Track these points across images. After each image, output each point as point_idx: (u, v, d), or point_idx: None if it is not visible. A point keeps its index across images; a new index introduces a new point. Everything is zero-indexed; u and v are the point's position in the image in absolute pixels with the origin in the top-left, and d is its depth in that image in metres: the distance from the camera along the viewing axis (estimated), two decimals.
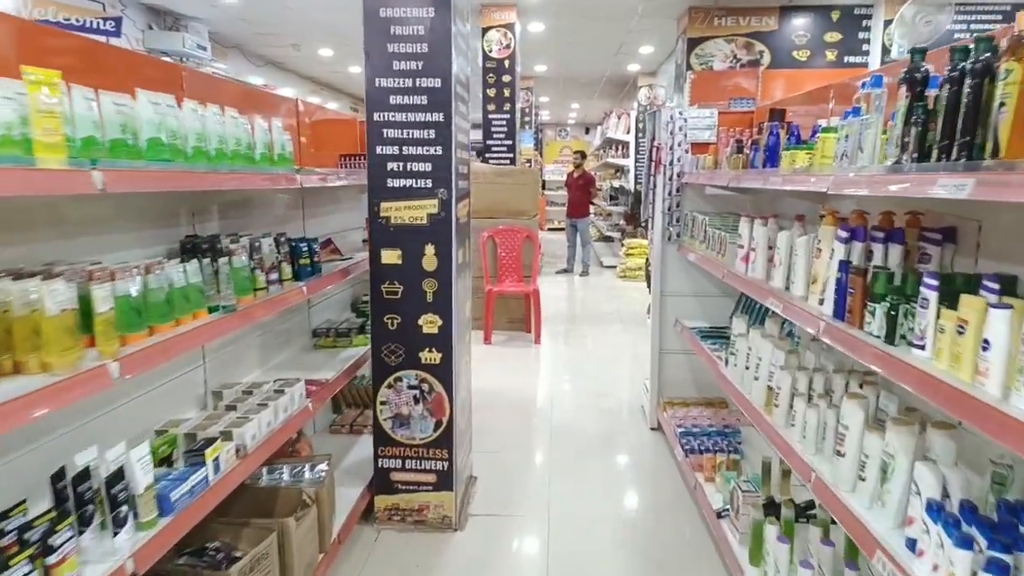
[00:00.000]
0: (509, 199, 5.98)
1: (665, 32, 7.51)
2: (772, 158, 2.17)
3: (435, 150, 2.41)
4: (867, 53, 6.23)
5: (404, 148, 2.42)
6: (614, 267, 10.45)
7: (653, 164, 3.61)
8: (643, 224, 10.74)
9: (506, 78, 6.32)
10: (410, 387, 2.54)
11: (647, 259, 7.00)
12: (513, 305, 6.03)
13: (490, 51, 6.31)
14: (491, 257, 5.93)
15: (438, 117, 2.39)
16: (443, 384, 2.53)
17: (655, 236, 3.65)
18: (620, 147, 10.80)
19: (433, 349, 2.52)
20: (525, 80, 11.06)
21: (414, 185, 2.43)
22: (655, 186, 3.62)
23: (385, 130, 2.41)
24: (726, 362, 2.64)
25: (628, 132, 10.53)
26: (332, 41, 8.80)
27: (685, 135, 3.50)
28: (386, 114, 2.40)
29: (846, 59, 6.22)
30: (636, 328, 6.32)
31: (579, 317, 6.91)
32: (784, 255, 2.03)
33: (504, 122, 6.38)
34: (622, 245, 10.21)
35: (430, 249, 2.46)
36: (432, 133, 2.40)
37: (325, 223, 3.15)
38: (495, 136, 6.41)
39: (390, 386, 2.54)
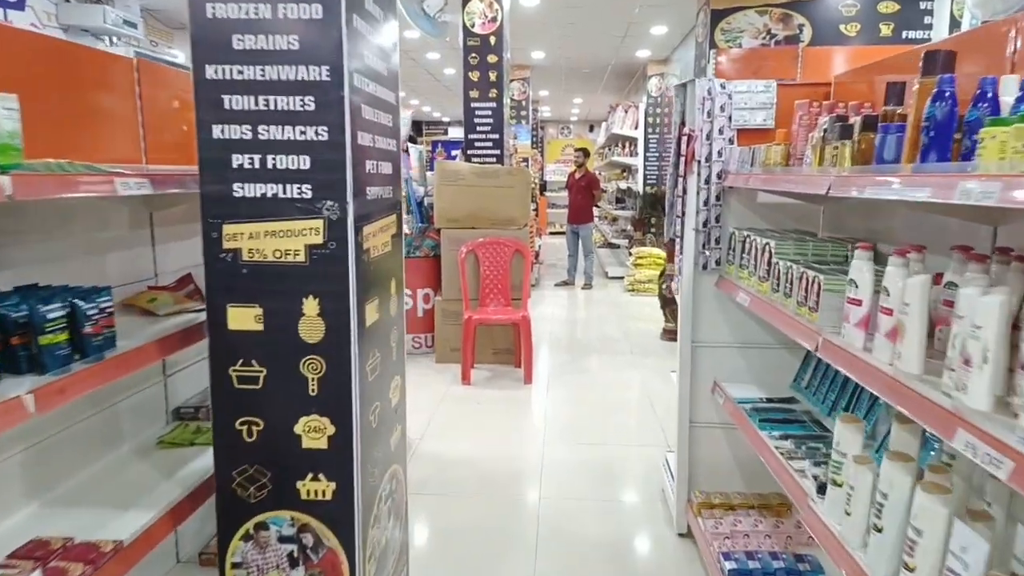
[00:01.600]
0: (494, 205, 4.95)
1: (682, 6, 6.48)
2: (941, 142, 1.12)
3: (316, 133, 1.39)
4: (930, 27, 5.18)
5: (260, 129, 1.39)
6: (621, 279, 9.41)
7: (683, 160, 2.57)
8: (653, 231, 9.70)
9: (491, 58, 5.30)
10: (282, 539, 1.50)
11: (662, 271, 5.96)
12: (499, 333, 5.00)
13: (472, 25, 5.30)
14: (472, 276, 4.90)
15: (319, 73, 1.37)
16: (338, 534, 1.50)
17: (684, 262, 2.61)
18: (627, 144, 9.77)
19: (320, 475, 1.48)
20: (520, 69, 10.04)
21: (280, 194, 1.40)
22: (684, 191, 2.58)
23: (227, 97, 1.38)
24: (819, 488, 1.59)
25: (636, 127, 9.49)
26: None
27: (729, 118, 2.46)
28: (228, 68, 1.38)
29: (904, 34, 5.18)
30: (649, 358, 5.27)
31: (580, 343, 5.87)
32: (990, 337, 0.98)
33: (489, 113, 5.37)
34: (630, 254, 9.18)
35: (311, 305, 1.43)
36: (310, 102, 1.37)
37: (189, 251, 2.11)
38: (478, 129, 5.40)
39: (248, 537, 1.50)
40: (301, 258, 1.41)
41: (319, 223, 1.41)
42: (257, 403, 1.46)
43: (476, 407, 4.20)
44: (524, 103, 10.15)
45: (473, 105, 5.37)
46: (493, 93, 5.34)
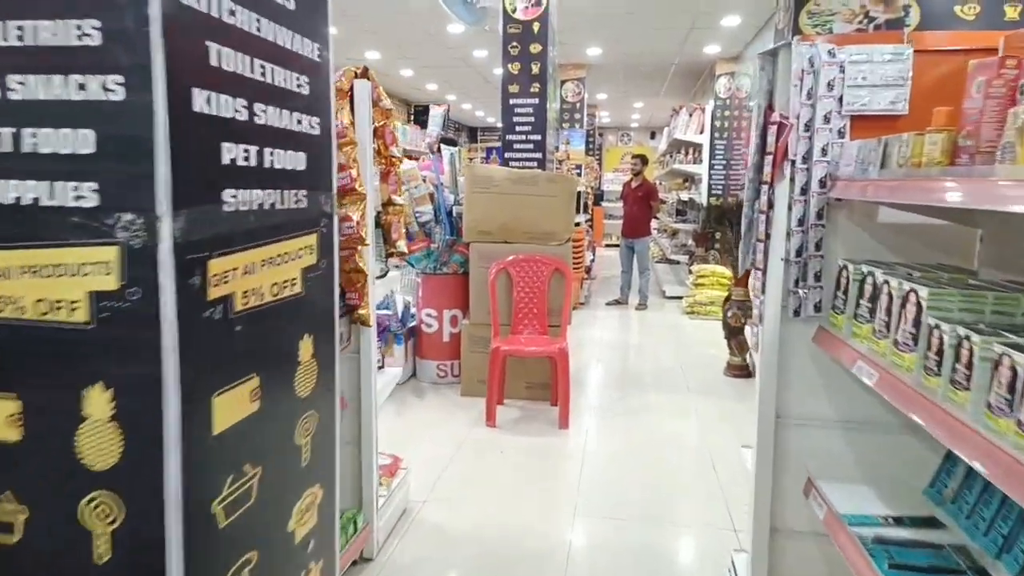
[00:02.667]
0: (531, 217, 4.29)
1: None
2: None
3: (104, 87, 0.75)
4: None
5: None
6: (679, 299, 8.57)
7: (768, 161, 1.83)
8: (717, 247, 8.82)
9: (534, 48, 4.65)
10: None
11: (727, 296, 5.15)
12: (533, 364, 4.31)
13: (513, 10, 4.67)
14: (504, 298, 4.24)
15: None
16: None
17: (766, 305, 1.88)
18: (691, 151, 8.94)
19: None
20: (575, 68, 9.36)
21: (42, 200, 0.77)
22: (771, 205, 1.84)
23: None
24: None
25: (701, 132, 8.66)
26: (345, 23, 7.33)
27: (840, 100, 1.72)
28: None
29: None
30: (711, 399, 4.48)
31: (630, 376, 5.12)
32: None
33: (530, 110, 4.71)
34: (690, 271, 8.34)
35: (97, 401, 0.79)
36: (90, 30, 0.74)
37: None
38: (517, 130, 4.74)
39: None
40: (80, 317, 0.78)
41: (111, 253, 0.77)
42: None
43: (498, 458, 3.52)
44: (578, 106, 9.47)
45: (512, 102, 4.73)
46: (535, 88, 4.68)
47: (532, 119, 4.73)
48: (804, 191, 1.75)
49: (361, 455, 2.45)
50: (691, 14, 6.80)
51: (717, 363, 5.32)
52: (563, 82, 9.42)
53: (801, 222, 1.76)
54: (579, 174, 9.11)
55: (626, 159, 18.82)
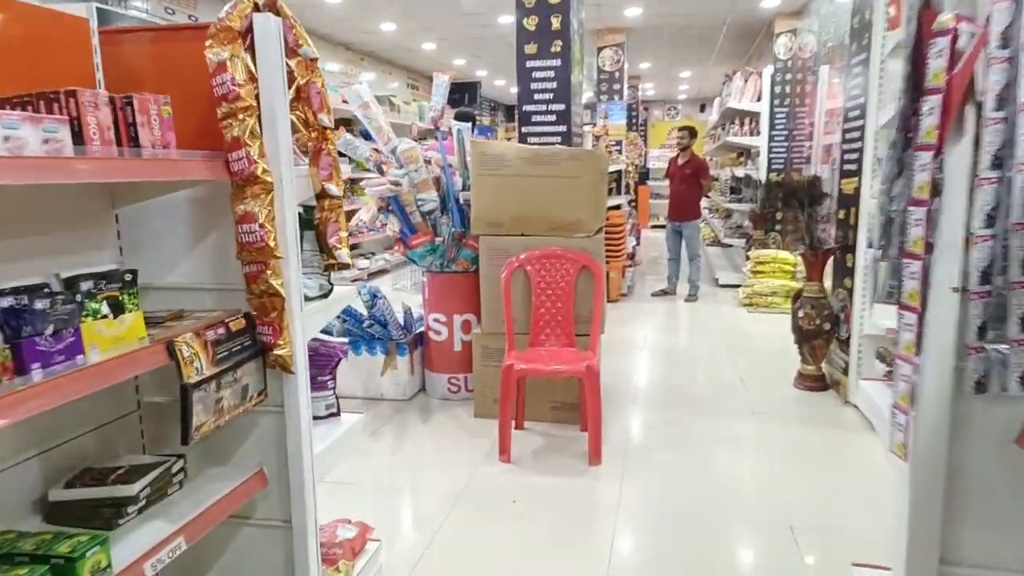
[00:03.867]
0: (552, 203, 3.51)
1: None
2: None
3: None
4: None
5: None
6: (735, 287, 7.65)
7: (937, 108, 1.00)
8: (777, 228, 7.82)
9: None
10: None
11: (798, 293, 4.27)
12: (560, 380, 3.57)
13: None
14: (521, 302, 3.50)
15: None
16: None
17: (923, 372, 1.05)
18: (747, 121, 7.94)
19: None
20: (612, 33, 8.43)
21: None
22: (935, 191, 1.01)
23: None
24: None
25: (759, 100, 7.65)
26: None
27: None
28: None
29: None
30: (782, 428, 3.65)
31: (678, 391, 4.31)
32: None
33: (551, 74, 3.90)
34: (747, 257, 7.41)
35: None
36: None
37: None
38: (536, 98, 3.93)
39: None
40: None
41: None
42: None
43: (510, 510, 2.80)
44: (618, 75, 8.55)
45: (529, 65, 3.93)
46: (556, 47, 3.87)
47: (553, 85, 3.92)
48: (999, 162, 0.93)
49: (294, 547, 1.76)
50: None
51: (785, 371, 4.46)
52: (600, 49, 8.52)
53: (993, 220, 0.95)
54: (620, 151, 8.24)
55: (673, 134, 17.72)
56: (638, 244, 9.71)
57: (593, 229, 3.54)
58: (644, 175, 16.44)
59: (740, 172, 8.24)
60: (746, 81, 7.74)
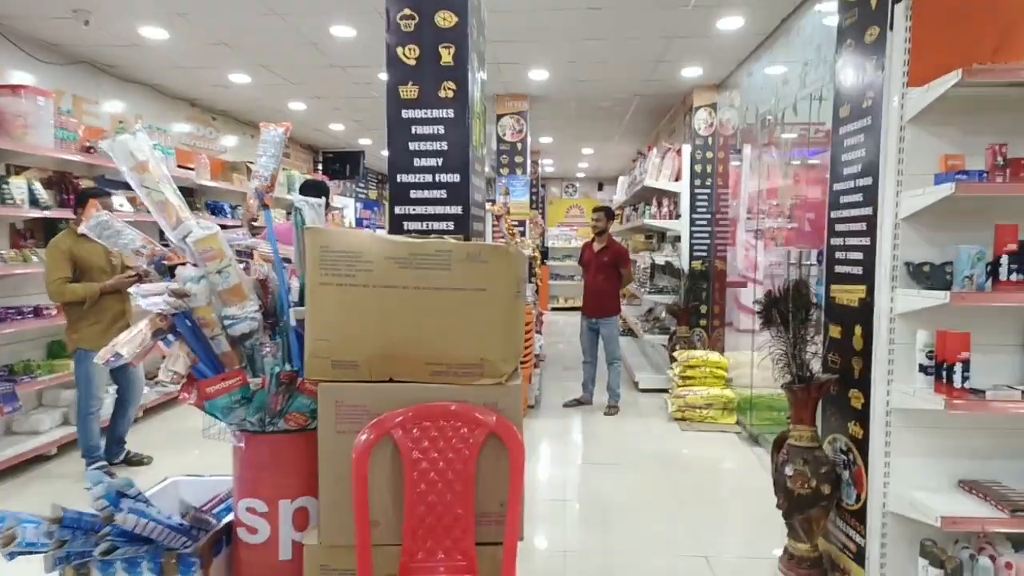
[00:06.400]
0: (441, 330, 2.21)
1: None
2: None
3: None
4: None
5: None
6: (659, 393, 6.59)
7: None
8: (702, 324, 6.93)
9: (445, 19, 2.60)
10: None
11: (780, 439, 3.17)
12: None
13: None
14: (386, 492, 2.10)
15: None
16: None
17: None
18: (665, 202, 7.12)
19: None
20: (515, 99, 7.50)
21: None
22: None
23: None
24: None
25: (678, 179, 6.86)
26: (166, 14, 5.20)
27: None
28: None
29: None
30: None
31: None
32: None
33: (441, 130, 2.65)
34: (672, 357, 6.39)
35: None
36: None
37: None
38: (418, 165, 2.62)
39: None
40: None
41: None
42: None
43: None
44: (520, 147, 7.57)
45: (407, 115, 2.66)
46: (448, 90, 2.65)
47: (443, 147, 2.68)
48: None
49: None
50: (673, 19, 5.02)
51: (762, 540, 3.28)
52: (500, 116, 7.54)
53: None
54: (523, 233, 7.15)
55: (573, 212, 17.20)
56: (542, 341, 8.57)
57: (506, 372, 2.23)
58: (544, 254, 15.68)
59: (660, 259, 7.37)
60: (663, 157, 6.98)
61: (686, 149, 6.81)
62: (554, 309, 15.11)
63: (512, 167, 7.50)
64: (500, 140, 7.59)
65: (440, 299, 2.22)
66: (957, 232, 2.54)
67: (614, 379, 6.18)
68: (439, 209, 2.72)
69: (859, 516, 2.87)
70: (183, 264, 2.56)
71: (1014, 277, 2.29)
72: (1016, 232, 2.30)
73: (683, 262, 6.91)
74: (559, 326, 12.05)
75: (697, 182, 6.79)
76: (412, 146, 2.71)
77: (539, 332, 7.75)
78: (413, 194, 2.71)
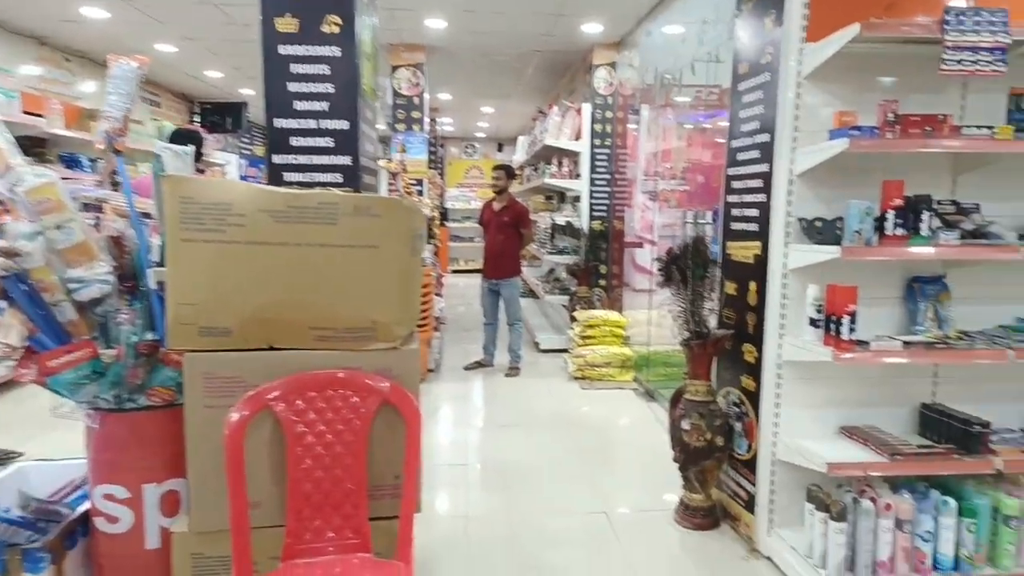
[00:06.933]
0: (327, 291, 2.00)
1: None
2: None
3: None
4: None
5: None
6: (560, 353, 6.63)
7: None
8: (602, 283, 7.01)
9: None
10: None
11: (678, 392, 3.22)
12: None
13: None
14: (268, 471, 1.89)
15: None
16: None
17: None
18: (565, 161, 7.08)
19: None
20: (410, 49, 7.14)
21: None
22: None
23: None
24: None
25: (578, 138, 6.82)
26: None
27: None
28: None
29: None
30: None
31: (527, 558, 2.92)
32: None
33: (326, 70, 2.39)
34: (573, 318, 6.43)
35: None
36: None
37: None
38: (300, 109, 2.36)
39: None
40: None
41: None
42: None
43: None
44: (417, 101, 7.25)
45: (284, 51, 2.37)
46: (333, 24, 2.38)
47: (329, 89, 2.41)
48: None
49: None
50: None
51: (658, 494, 3.36)
52: (395, 68, 7.16)
53: None
54: (421, 192, 6.89)
55: (473, 172, 16.95)
56: (443, 304, 8.41)
57: (401, 335, 2.06)
58: (443, 215, 15.39)
59: (561, 219, 7.35)
60: (563, 116, 6.90)
61: (586, 108, 6.76)
62: (455, 271, 14.95)
63: (409, 123, 7.17)
64: (396, 94, 7.22)
65: (325, 257, 2.01)
66: (848, 188, 2.60)
67: (515, 341, 6.14)
68: (325, 159, 2.47)
69: (750, 465, 2.96)
70: (15, 219, 2.19)
71: (899, 232, 2.37)
72: (902, 187, 2.38)
73: (583, 222, 6.93)
74: (460, 289, 11.91)
75: (597, 142, 6.77)
76: (292, 87, 2.42)
77: (439, 295, 7.57)
78: (294, 141, 2.43)
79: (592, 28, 6.39)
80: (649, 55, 6.08)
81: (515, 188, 9.95)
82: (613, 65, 6.83)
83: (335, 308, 2.02)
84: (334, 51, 2.42)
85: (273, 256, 1.98)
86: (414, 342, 2.13)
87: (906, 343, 2.48)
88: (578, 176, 6.89)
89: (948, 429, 2.60)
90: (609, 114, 6.76)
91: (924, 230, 2.39)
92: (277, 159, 2.42)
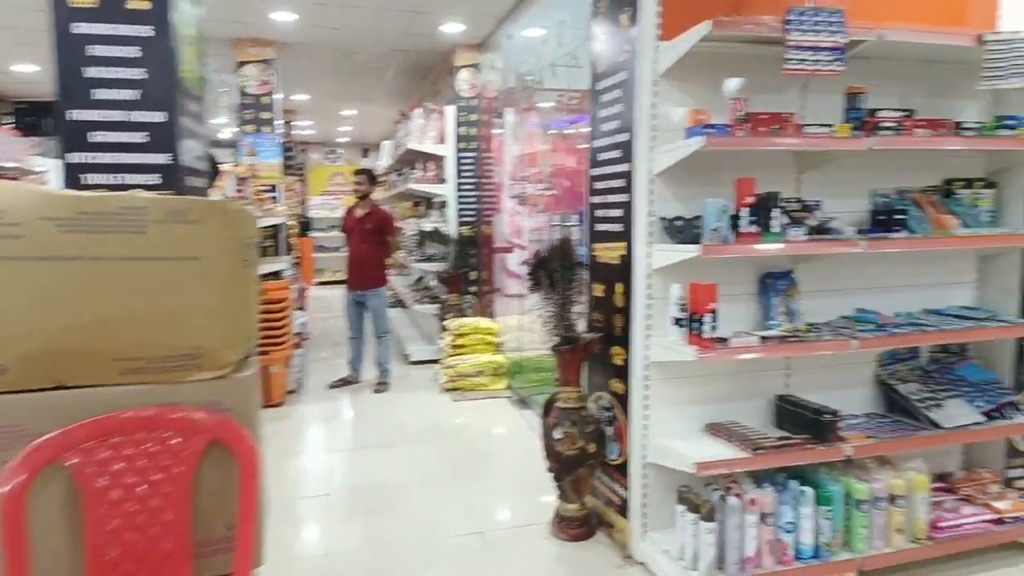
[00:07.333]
0: (134, 312, 1.67)
1: None
2: None
3: None
4: None
5: None
6: (434, 364, 6.40)
7: None
8: (473, 291, 6.89)
9: None
10: None
11: (550, 400, 3.16)
12: None
13: None
14: (62, 545, 1.53)
15: None
16: None
17: None
18: (430, 166, 6.89)
19: None
20: (257, 44, 6.64)
21: None
22: None
23: None
24: None
25: (442, 142, 6.66)
26: None
27: None
28: None
29: None
30: None
31: (385, 561, 2.71)
32: None
33: (135, 52, 2.05)
34: (443, 327, 6.24)
35: None
36: None
37: None
38: (100, 99, 2.01)
39: None
40: None
41: None
42: None
43: None
44: (267, 102, 6.75)
45: (78, 30, 2.00)
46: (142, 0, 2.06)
47: (139, 75, 2.06)
48: None
49: None
50: None
51: (533, 505, 3.26)
52: (241, 64, 6.63)
53: None
54: (275, 199, 6.42)
55: (337, 180, 16.28)
56: (305, 318, 7.92)
57: (231, 361, 1.78)
58: (306, 225, 14.65)
59: (429, 226, 7.14)
60: (427, 119, 6.71)
61: (450, 111, 6.62)
62: (321, 283, 14.27)
63: (259, 124, 6.66)
64: (243, 93, 6.69)
65: (133, 272, 1.69)
66: (704, 187, 2.63)
67: (384, 354, 5.86)
68: (136, 157, 2.10)
69: (622, 470, 2.93)
70: None
71: (752, 229, 2.41)
72: (753, 185, 2.42)
73: (451, 228, 6.77)
74: (327, 301, 11.34)
75: (462, 145, 6.65)
76: (90, 72, 2.04)
77: (301, 309, 7.11)
78: (95, 137, 2.05)
79: (452, 28, 6.25)
80: (511, 57, 6.05)
81: (381, 194, 9.61)
82: (476, 67, 6.75)
83: (147, 334, 1.70)
84: (144, 31, 2.07)
85: (62, 274, 1.63)
86: (249, 368, 1.85)
87: (762, 338, 2.54)
88: (444, 181, 6.73)
89: (802, 420, 2.69)
90: (473, 117, 6.66)
91: (775, 227, 2.44)
92: (74, 158, 2.03)
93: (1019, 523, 2.75)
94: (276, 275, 5.52)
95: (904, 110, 2.66)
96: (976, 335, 2.76)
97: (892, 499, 2.61)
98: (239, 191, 5.64)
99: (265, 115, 6.72)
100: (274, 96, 6.79)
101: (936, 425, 2.71)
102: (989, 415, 2.77)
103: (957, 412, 2.75)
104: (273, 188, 6.47)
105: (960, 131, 2.61)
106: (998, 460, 3.05)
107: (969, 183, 2.96)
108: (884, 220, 2.67)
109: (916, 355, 3.07)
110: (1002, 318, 2.86)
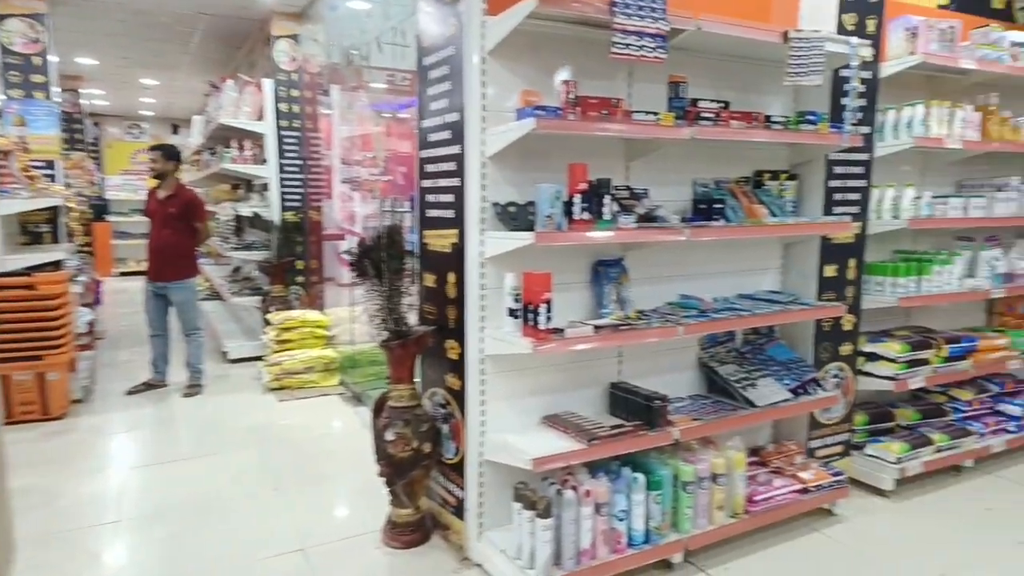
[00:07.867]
0: None
1: None
2: None
3: None
4: None
5: None
6: (257, 361, 5.86)
7: None
8: (300, 282, 6.43)
9: None
10: None
11: (381, 399, 2.96)
12: None
13: None
14: None
15: None
16: None
17: None
18: (248, 144, 6.27)
19: None
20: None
21: None
22: None
23: None
24: None
25: (260, 118, 6.09)
26: None
27: None
28: None
29: None
30: None
31: None
32: None
33: None
34: (267, 321, 5.75)
35: None
36: None
37: None
38: None
39: None
40: None
41: None
42: None
43: None
44: (40, 63, 5.73)
45: None
46: None
47: None
48: None
49: None
50: None
51: (364, 512, 3.04)
52: (2, 16, 5.55)
53: None
54: (52, 178, 5.50)
55: (140, 157, 14.50)
56: (97, 305, 6.95)
57: None
58: (102, 209, 12.92)
59: (247, 210, 6.50)
60: (241, 92, 6.08)
61: (268, 84, 6.04)
62: (123, 274, 12.70)
63: (28, 89, 5.63)
64: (6, 51, 5.61)
65: None
66: (537, 172, 2.55)
67: (194, 353, 5.25)
68: None
69: (458, 469, 2.80)
70: None
71: (585, 216, 2.36)
72: (586, 171, 2.37)
73: (274, 213, 6.22)
74: (130, 295, 10.06)
75: (284, 123, 6.11)
76: None
77: (89, 305, 6.19)
78: None
79: None
80: (334, 30, 5.64)
81: (192, 176, 8.66)
82: (296, 38, 6.22)
83: None
84: None
85: None
86: None
87: (596, 327, 2.52)
88: (264, 161, 6.16)
89: (634, 406, 2.72)
90: (295, 93, 6.15)
91: (607, 214, 2.42)
92: None
93: (822, 491, 3.01)
94: (55, 266, 4.71)
95: (721, 102, 2.76)
96: (782, 318, 2.96)
97: (714, 478, 2.72)
98: (2, 168, 4.72)
99: (37, 78, 5.69)
100: (48, 57, 5.77)
101: (752, 404, 2.88)
102: (796, 392, 3.00)
103: (769, 391, 2.95)
104: (50, 164, 5.52)
105: (770, 124, 2.76)
106: (802, 432, 3.34)
107: (775, 175, 3.18)
108: (705, 209, 2.77)
109: (732, 338, 3.25)
110: (803, 301, 3.10)
